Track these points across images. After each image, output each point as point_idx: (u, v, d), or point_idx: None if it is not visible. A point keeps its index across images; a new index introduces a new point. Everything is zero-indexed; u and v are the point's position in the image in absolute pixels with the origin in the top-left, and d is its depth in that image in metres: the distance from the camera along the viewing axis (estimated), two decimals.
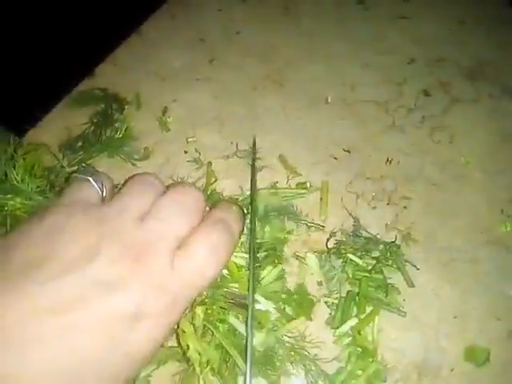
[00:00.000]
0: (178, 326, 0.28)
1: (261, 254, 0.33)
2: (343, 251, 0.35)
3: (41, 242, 0.22)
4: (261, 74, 0.48)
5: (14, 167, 0.33)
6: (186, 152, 0.43)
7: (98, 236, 0.22)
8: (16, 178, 0.33)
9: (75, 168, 0.38)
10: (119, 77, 0.47)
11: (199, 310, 0.29)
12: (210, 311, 0.29)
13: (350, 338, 0.33)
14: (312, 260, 0.36)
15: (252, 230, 0.33)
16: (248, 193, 0.38)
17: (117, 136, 0.41)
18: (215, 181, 0.40)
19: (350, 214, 0.39)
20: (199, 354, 0.28)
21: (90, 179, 0.25)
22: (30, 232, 0.22)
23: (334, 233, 0.37)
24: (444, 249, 0.38)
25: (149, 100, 0.46)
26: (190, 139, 0.44)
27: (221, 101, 0.47)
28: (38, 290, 0.20)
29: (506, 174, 0.42)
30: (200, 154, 0.43)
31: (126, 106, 0.45)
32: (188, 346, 0.28)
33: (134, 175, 0.27)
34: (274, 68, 0.49)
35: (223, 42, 0.50)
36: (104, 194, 0.25)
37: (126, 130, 0.42)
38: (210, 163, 0.41)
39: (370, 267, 0.35)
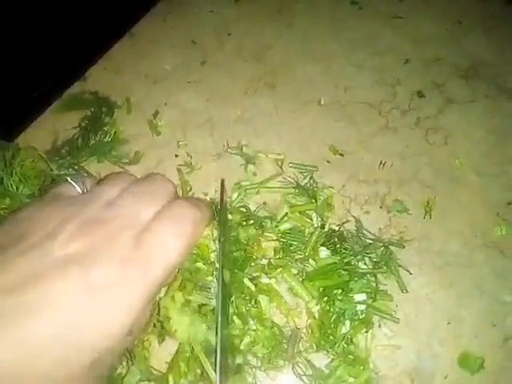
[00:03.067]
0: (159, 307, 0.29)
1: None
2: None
3: (11, 230, 0.23)
4: (253, 75, 0.48)
5: (11, 174, 0.34)
6: (176, 156, 0.43)
7: (64, 218, 0.23)
8: (11, 185, 0.33)
9: (63, 172, 0.38)
10: (110, 80, 0.47)
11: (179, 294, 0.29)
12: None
13: (343, 344, 0.32)
14: None
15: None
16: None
17: (106, 140, 0.41)
18: (190, 190, 0.39)
19: (353, 216, 0.38)
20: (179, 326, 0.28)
21: (69, 179, 0.27)
22: (4, 224, 0.24)
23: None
24: (438, 253, 0.37)
25: (140, 103, 0.46)
26: (180, 143, 0.43)
27: (212, 103, 0.46)
28: None
29: (501, 176, 0.41)
30: (191, 157, 0.42)
31: (116, 110, 0.45)
32: (169, 319, 0.29)
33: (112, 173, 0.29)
34: (267, 70, 0.48)
35: (215, 43, 0.50)
36: (84, 191, 0.27)
37: (114, 134, 0.42)
38: (180, 171, 0.41)
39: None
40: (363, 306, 0.33)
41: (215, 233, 0.31)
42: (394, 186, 0.40)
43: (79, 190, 0.27)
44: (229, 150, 0.42)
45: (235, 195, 0.38)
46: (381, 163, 0.42)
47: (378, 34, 0.51)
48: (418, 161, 0.42)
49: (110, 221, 0.24)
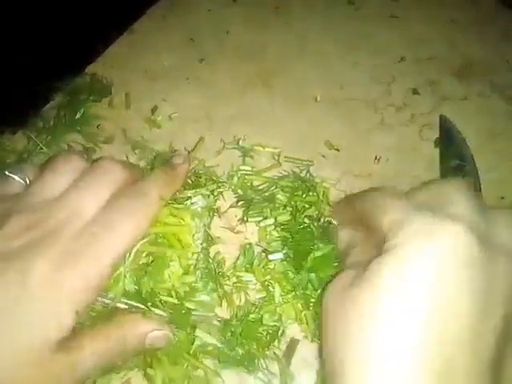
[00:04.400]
0: None
1: None
2: None
3: None
4: (250, 73, 0.48)
5: None
6: (175, 151, 0.43)
7: (6, 215, 0.24)
8: None
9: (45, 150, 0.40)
10: (109, 76, 0.47)
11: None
12: None
13: None
14: None
15: None
16: None
17: (76, 117, 0.42)
18: None
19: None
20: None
21: (9, 174, 0.27)
22: None
23: None
24: None
25: (138, 99, 0.46)
26: (179, 138, 0.44)
27: (210, 100, 0.47)
28: None
29: (494, 171, 0.42)
30: (188, 152, 0.43)
31: (115, 105, 0.45)
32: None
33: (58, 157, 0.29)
34: (264, 67, 0.49)
35: (213, 41, 0.51)
36: (28, 183, 0.28)
37: (83, 112, 0.43)
38: None
39: None
40: None
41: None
42: (389, 180, 0.41)
43: (22, 182, 0.27)
44: (226, 146, 0.43)
45: (235, 179, 0.38)
46: (376, 158, 0.42)
47: (373, 33, 0.52)
48: (412, 156, 0.43)
49: (50, 217, 0.24)
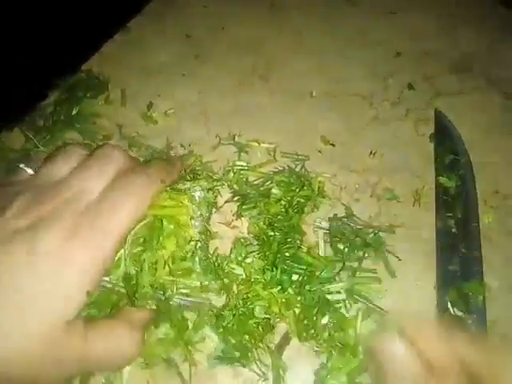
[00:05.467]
0: None
1: None
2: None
3: None
4: (246, 68, 0.48)
5: None
6: (171, 147, 0.43)
7: (11, 199, 0.25)
8: None
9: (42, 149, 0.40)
10: (106, 72, 0.47)
11: None
12: None
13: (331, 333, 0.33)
14: None
15: None
16: None
17: (73, 114, 0.43)
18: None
19: (344, 204, 0.39)
20: None
21: (21, 165, 0.29)
22: None
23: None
24: (426, 239, 0.38)
25: (135, 95, 0.46)
26: (174, 134, 0.44)
27: (206, 96, 0.47)
28: None
29: (488, 165, 0.42)
30: (185, 148, 0.43)
31: (112, 101, 0.45)
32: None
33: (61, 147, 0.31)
34: (260, 63, 0.49)
35: (209, 37, 0.51)
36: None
37: (80, 110, 0.43)
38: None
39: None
40: (342, 296, 0.33)
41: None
42: (384, 175, 0.41)
43: (31, 171, 0.28)
44: (221, 142, 0.43)
45: (230, 174, 0.38)
46: (371, 153, 0.42)
47: (370, 29, 0.52)
48: (408, 151, 0.43)
49: (57, 196, 0.25)
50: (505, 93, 0.47)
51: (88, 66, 0.48)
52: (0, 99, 0.43)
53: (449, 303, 0.34)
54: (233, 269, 0.32)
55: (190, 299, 0.29)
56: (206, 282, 0.30)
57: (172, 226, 0.29)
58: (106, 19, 0.50)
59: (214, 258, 0.33)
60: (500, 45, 0.51)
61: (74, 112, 0.43)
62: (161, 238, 0.28)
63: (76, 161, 0.28)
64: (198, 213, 0.31)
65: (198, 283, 0.29)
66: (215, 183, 0.36)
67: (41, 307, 0.22)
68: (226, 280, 0.32)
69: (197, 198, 0.32)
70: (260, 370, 0.30)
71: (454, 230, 0.38)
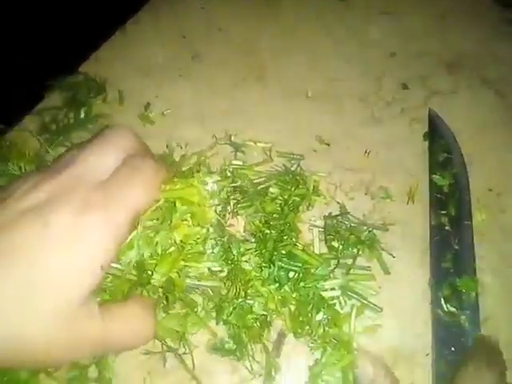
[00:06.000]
0: None
1: None
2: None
3: None
4: (242, 69, 0.49)
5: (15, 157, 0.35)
6: (167, 147, 0.44)
7: (23, 179, 0.26)
8: (14, 169, 0.34)
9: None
10: (103, 73, 0.48)
11: None
12: None
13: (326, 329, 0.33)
14: None
15: None
16: None
17: (81, 117, 0.43)
18: None
19: (338, 202, 0.39)
20: None
21: None
22: None
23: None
24: (420, 237, 0.38)
25: (131, 96, 0.47)
26: (171, 133, 0.44)
27: (203, 96, 0.47)
28: None
29: (481, 163, 0.42)
30: (182, 147, 0.43)
31: (109, 101, 0.46)
32: None
33: None
34: (256, 63, 0.49)
35: (205, 38, 0.51)
36: None
37: (85, 112, 0.44)
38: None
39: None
40: (337, 292, 0.34)
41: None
42: (379, 173, 0.42)
43: None
44: (218, 142, 0.43)
45: (228, 173, 0.39)
46: (366, 152, 0.43)
47: (364, 29, 0.52)
48: (402, 150, 0.43)
49: (68, 174, 0.25)
50: (498, 91, 0.47)
51: (85, 66, 0.48)
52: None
53: (442, 299, 0.35)
54: (241, 261, 0.32)
55: (198, 283, 0.30)
56: (214, 268, 0.30)
57: (185, 207, 0.30)
58: (103, 20, 0.51)
59: (226, 241, 0.33)
60: (493, 43, 0.51)
61: (81, 114, 0.44)
62: (173, 220, 0.29)
63: (86, 143, 0.29)
64: (210, 201, 0.32)
65: (206, 269, 0.30)
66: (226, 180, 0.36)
67: (55, 282, 0.23)
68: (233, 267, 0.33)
69: (209, 189, 0.33)
70: (251, 367, 0.31)
71: (447, 227, 0.38)
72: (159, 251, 0.29)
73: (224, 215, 0.34)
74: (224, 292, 0.31)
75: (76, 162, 0.26)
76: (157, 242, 0.29)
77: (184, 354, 0.32)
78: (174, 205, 0.30)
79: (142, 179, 0.27)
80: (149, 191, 0.28)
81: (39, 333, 0.22)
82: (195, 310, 0.31)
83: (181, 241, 0.30)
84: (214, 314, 0.32)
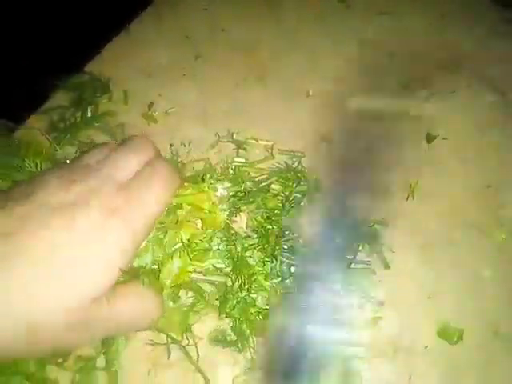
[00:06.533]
0: None
1: None
2: None
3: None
4: (244, 69, 0.50)
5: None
6: (171, 145, 0.44)
7: (48, 178, 0.27)
8: (31, 165, 0.35)
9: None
10: (107, 73, 0.49)
11: None
12: None
13: None
14: None
15: None
16: None
17: (89, 115, 0.44)
18: None
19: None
20: None
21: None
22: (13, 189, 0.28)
23: None
24: (420, 232, 0.39)
25: (135, 95, 0.47)
26: (175, 132, 0.45)
27: (206, 95, 0.48)
28: None
29: (480, 161, 0.43)
30: (185, 146, 0.44)
31: (113, 100, 0.47)
32: None
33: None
34: (257, 63, 0.50)
35: (208, 39, 0.52)
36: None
37: (93, 110, 0.45)
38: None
39: None
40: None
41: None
42: (379, 170, 0.42)
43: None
44: (220, 139, 0.44)
45: (230, 171, 0.40)
46: (366, 149, 0.44)
47: (363, 30, 0.53)
48: (402, 147, 0.44)
49: (89, 178, 0.27)
50: (497, 90, 0.48)
51: (90, 66, 0.49)
52: (5, 99, 0.45)
53: None
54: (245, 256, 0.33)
55: (204, 278, 0.31)
56: (219, 265, 0.31)
57: (191, 208, 0.31)
58: (107, 21, 0.52)
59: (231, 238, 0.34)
60: (492, 43, 0.52)
61: (89, 113, 0.45)
62: (180, 220, 0.30)
63: (109, 150, 0.30)
64: (220, 206, 0.32)
65: (211, 266, 0.31)
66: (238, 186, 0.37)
67: (71, 278, 0.24)
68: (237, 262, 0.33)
69: (219, 194, 0.34)
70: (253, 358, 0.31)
71: None
72: (169, 251, 0.30)
73: (231, 218, 0.34)
74: (229, 284, 0.31)
75: (102, 166, 0.28)
76: (166, 243, 0.30)
77: (188, 345, 0.32)
78: (181, 207, 0.31)
79: (160, 185, 0.29)
80: (166, 197, 0.29)
81: (52, 319, 0.23)
82: (203, 295, 0.32)
83: (188, 240, 0.31)
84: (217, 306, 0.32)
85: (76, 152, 0.42)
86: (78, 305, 0.24)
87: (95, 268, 0.24)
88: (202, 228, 0.32)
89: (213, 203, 0.33)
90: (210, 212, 0.33)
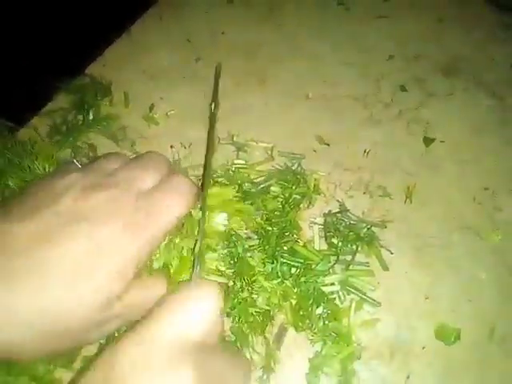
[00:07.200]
0: None
1: None
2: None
3: (25, 200, 0.27)
4: (244, 72, 0.50)
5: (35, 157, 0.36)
6: (172, 147, 0.45)
7: (66, 185, 0.27)
8: (39, 168, 0.35)
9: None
10: (109, 76, 0.49)
11: None
12: None
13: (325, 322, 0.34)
14: None
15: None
16: None
17: (90, 118, 0.45)
18: None
19: (338, 200, 0.40)
20: None
21: (74, 160, 0.31)
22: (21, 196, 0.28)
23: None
24: (417, 234, 0.39)
25: (137, 98, 0.48)
26: (176, 134, 0.45)
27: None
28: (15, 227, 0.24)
29: (477, 163, 0.43)
30: (185, 147, 0.45)
31: (115, 103, 0.47)
32: None
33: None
34: (257, 66, 0.51)
35: (209, 42, 0.53)
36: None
37: (94, 113, 0.45)
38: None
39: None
40: (336, 287, 0.35)
41: None
42: (377, 173, 0.43)
43: (78, 165, 0.31)
44: (220, 142, 0.45)
45: (230, 173, 0.40)
46: (365, 152, 0.44)
47: (363, 33, 0.54)
48: (400, 150, 0.44)
49: (111, 187, 0.27)
50: (494, 94, 0.49)
51: (91, 69, 0.50)
52: (7, 100, 0.45)
53: None
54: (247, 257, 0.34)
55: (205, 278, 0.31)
56: (221, 268, 0.32)
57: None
58: (109, 24, 0.52)
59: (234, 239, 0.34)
60: (489, 47, 0.53)
61: (90, 115, 0.45)
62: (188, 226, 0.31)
63: (125, 160, 0.31)
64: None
65: (214, 266, 0.31)
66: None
67: (95, 278, 0.24)
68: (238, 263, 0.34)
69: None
70: (251, 358, 0.32)
71: None
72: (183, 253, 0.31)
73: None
74: (230, 284, 0.32)
75: (121, 175, 0.28)
76: (173, 246, 0.30)
77: None
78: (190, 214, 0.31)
79: (179, 197, 0.29)
80: (183, 210, 0.29)
81: (73, 321, 0.24)
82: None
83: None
84: None
85: (71, 155, 0.42)
86: (97, 307, 0.24)
87: (112, 276, 0.25)
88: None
89: None
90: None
